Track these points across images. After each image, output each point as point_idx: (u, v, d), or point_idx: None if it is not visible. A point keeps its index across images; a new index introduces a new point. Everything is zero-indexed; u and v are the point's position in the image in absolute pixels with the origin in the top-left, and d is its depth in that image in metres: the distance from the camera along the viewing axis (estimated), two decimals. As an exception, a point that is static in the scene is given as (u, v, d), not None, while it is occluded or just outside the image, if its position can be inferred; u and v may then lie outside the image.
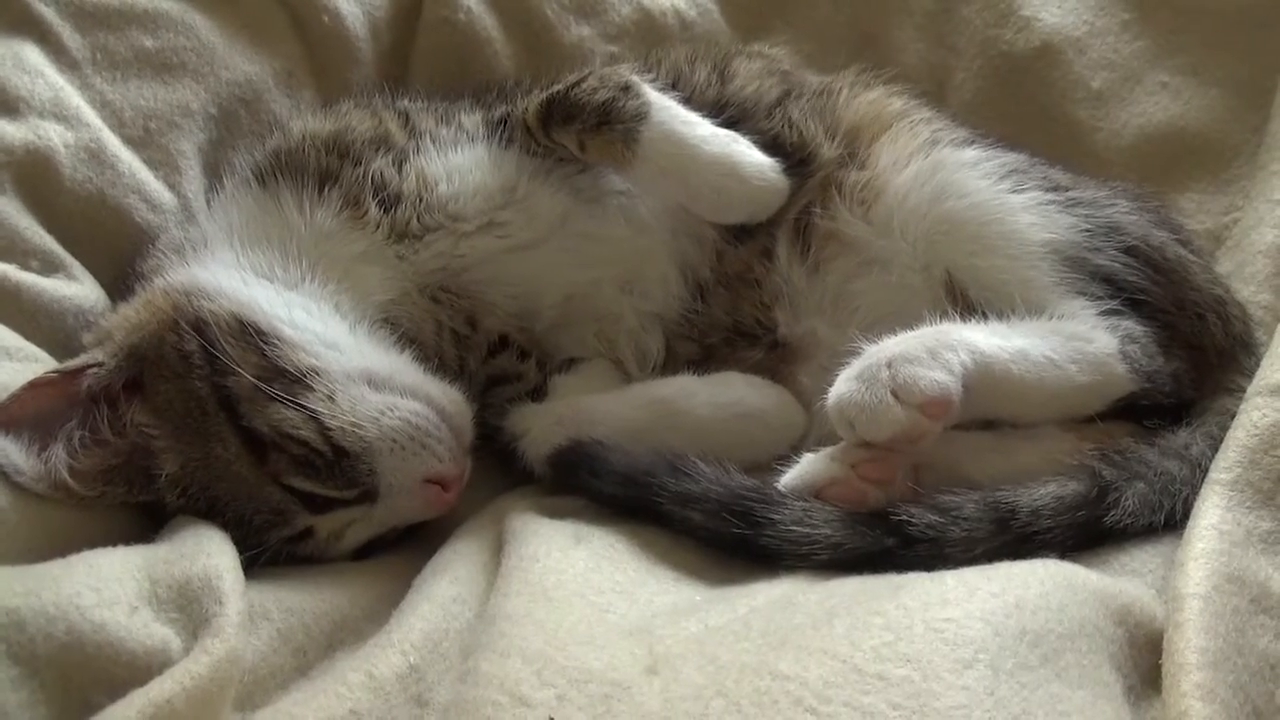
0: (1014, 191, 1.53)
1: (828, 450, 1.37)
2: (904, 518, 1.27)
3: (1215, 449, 1.32)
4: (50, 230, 1.57)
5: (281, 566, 1.37)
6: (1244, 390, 1.37)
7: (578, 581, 1.23)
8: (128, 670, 1.10)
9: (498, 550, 1.33)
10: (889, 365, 1.32)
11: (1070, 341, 1.42)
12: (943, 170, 1.54)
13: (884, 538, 1.27)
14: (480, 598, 1.25)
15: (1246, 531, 1.21)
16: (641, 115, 1.52)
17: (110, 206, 1.61)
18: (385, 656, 1.15)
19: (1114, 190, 1.62)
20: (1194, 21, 1.98)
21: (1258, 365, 1.40)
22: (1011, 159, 1.58)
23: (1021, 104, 1.97)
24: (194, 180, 1.71)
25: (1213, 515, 1.21)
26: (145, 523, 1.40)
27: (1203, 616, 1.10)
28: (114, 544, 1.26)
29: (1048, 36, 1.97)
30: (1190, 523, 1.22)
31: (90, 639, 1.10)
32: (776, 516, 1.29)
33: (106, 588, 1.15)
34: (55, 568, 1.18)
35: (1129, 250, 1.52)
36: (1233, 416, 1.34)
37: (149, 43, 1.72)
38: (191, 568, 1.21)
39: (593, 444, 1.43)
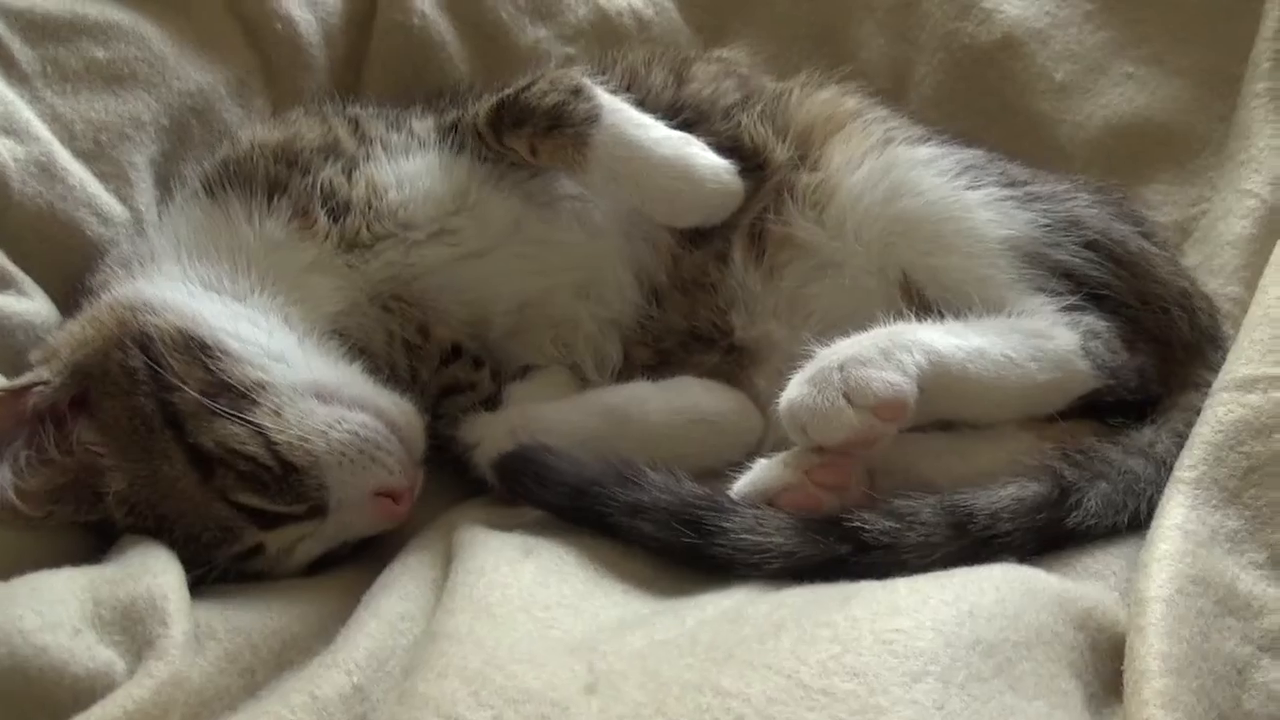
0: (970, 188, 1.51)
1: (780, 456, 1.35)
2: (858, 524, 1.25)
3: (1181, 446, 1.29)
4: (-1, 246, 1.54)
5: (231, 584, 1.34)
6: (1210, 385, 1.33)
7: (523, 596, 1.21)
8: (71, 694, 1.08)
9: (447, 565, 1.31)
10: (841, 368, 1.30)
11: (1030, 339, 1.40)
12: (896, 169, 1.53)
13: (837, 545, 1.25)
14: (428, 614, 1.23)
15: (1212, 531, 1.18)
16: (593, 118, 1.50)
17: (61, 221, 1.59)
18: (329, 676, 1.13)
19: (1074, 184, 1.60)
20: (1157, 10, 1.97)
21: (1224, 359, 1.37)
22: (968, 155, 1.56)
23: (984, 98, 1.95)
24: (145, 193, 1.68)
25: (1177, 515, 1.19)
26: (94, 542, 1.38)
27: (1165, 620, 1.07)
28: (62, 564, 1.24)
29: (1009, 28, 1.96)
30: (1154, 523, 1.20)
31: (33, 663, 1.08)
32: (727, 525, 1.27)
33: (50, 610, 1.13)
34: (-2, 590, 1.16)
35: (1090, 244, 1.50)
36: (1199, 413, 1.31)
37: (100, 54, 1.69)
38: (136, 588, 1.19)
39: (538, 450, 1.40)
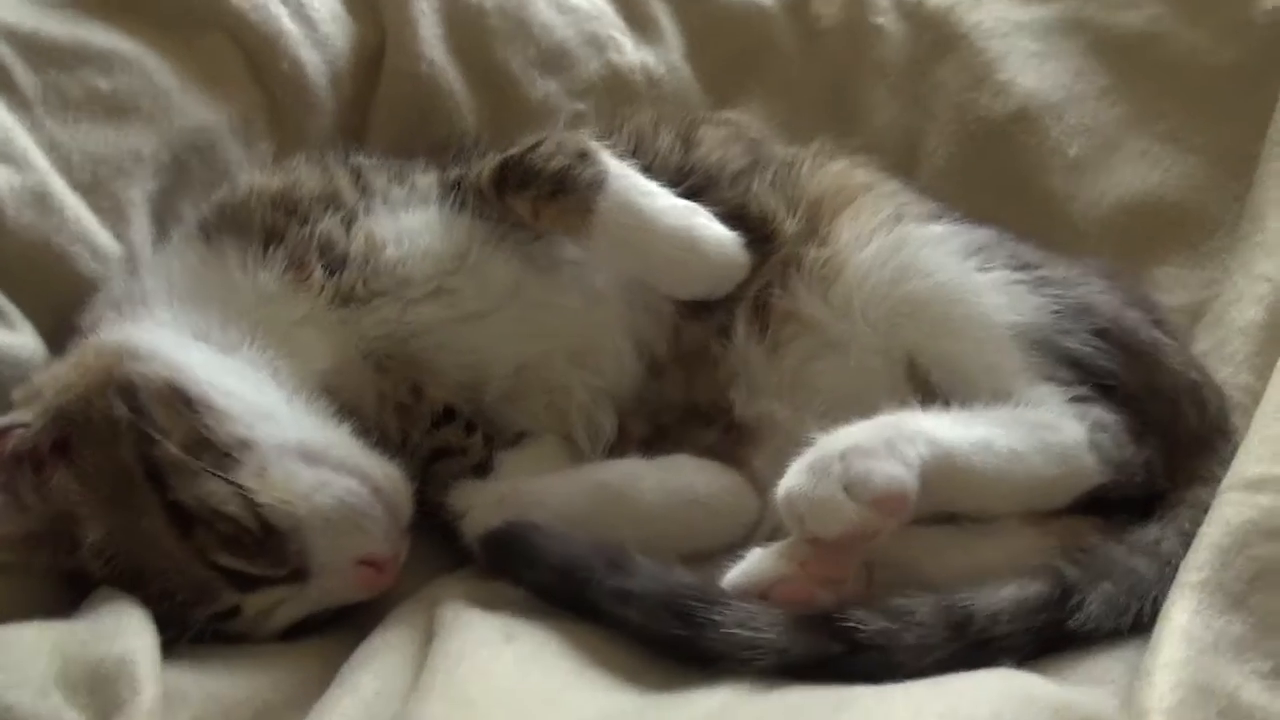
0: (980, 270, 1.48)
1: (775, 546, 1.31)
2: (852, 624, 1.21)
3: (1187, 545, 1.25)
4: (-11, 276, 1.51)
5: (207, 644, 1.31)
6: (1219, 480, 1.30)
7: (502, 688, 1.18)
8: (35, 757, 1.05)
9: (427, 641, 1.28)
10: (841, 457, 1.26)
11: (1036, 430, 1.37)
12: (906, 248, 1.50)
13: (830, 644, 1.21)
14: (406, 691, 1.20)
15: (1216, 636, 1.13)
16: (598, 184, 1.48)
17: (54, 253, 1.55)
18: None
19: (1086, 268, 1.57)
20: (1174, 88, 1.94)
21: (1234, 452, 1.33)
22: (979, 235, 1.53)
23: (996, 171, 1.92)
24: (141, 229, 1.65)
25: (1181, 619, 1.14)
26: (67, 590, 1.35)
27: None
28: (33, 612, 1.22)
29: (1024, 101, 1.93)
30: (1158, 627, 1.16)
31: (-3, 721, 1.05)
32: (718, 618, 1.23)
33: (17, 667, 1.11)
34: (-36, 643, 1.13)
35: (1100, 333, 1.47)
36: (1206, 509, 1.27)
37: (102, 84, 1.66)
38: (109, 649, 1.16)
39: (526, 527, 1.37)
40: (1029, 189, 1.90)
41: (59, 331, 1.54)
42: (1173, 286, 1.82)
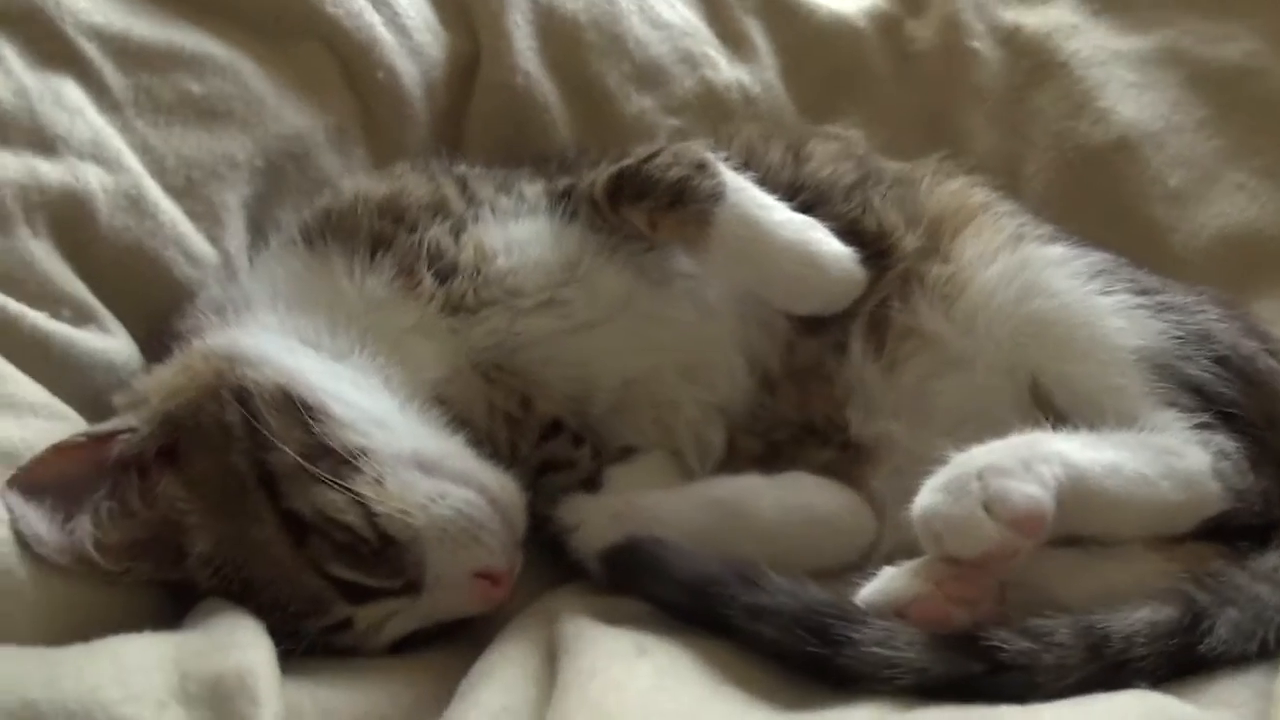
0: (1103, 293, 1.46)
1: (910, 564, 1.28)
2: (995, 643, 1.18)
3: (1306, 573, 1.23)
4: (84, 278, 1.49)
5: (317, 657, 1.27)
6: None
7: (640, 700, 1.14)
8: (154, 774, 1.02)
9: (548, 656, 1.24)
10: (979, 476, 1.24)
11: (1162, 456, 1.34)
12: (1030, 268, 1.48)
13: (971, 663, 1.18)
14: (531, 707, 1.16)
15: None
16: (717, 196, 1.45)
17: (148, 257, 1.53)
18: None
19: (1202, 296, 1.55)
20: (1271, 123, 1.94)
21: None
22: (1099, 258, 1.52)
23: (1096, 199, 1.91)
24: (236, 235, 1.63)
25: None
26: (172, 601, 1.32)
27: None
28: (139, 624, 1.18)
29: (1124, 130, 1.93)
30: None
31: (114, 738, 1.01)
32: (856, 635, 1.20)
33: (133, 680, 1.06)
34: (77, 655, 1.09)
35: (1220, 360, 1.45)
36: (1322, 539, 1.25)
37: (195, 88, 1.65)
38: (225, 662, 1.12)
39: (652, 543, 1.33)
40: (1130, 218, 1.89)
41: (151, 337, 1.52)
42: (1274, 320, 1.79)
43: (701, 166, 1.47)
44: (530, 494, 1.46)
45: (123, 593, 1.29)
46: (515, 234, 1.52)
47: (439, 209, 1.54)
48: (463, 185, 1.58)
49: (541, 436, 1.53)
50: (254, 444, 1.31)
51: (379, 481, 1.31)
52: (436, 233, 1.51)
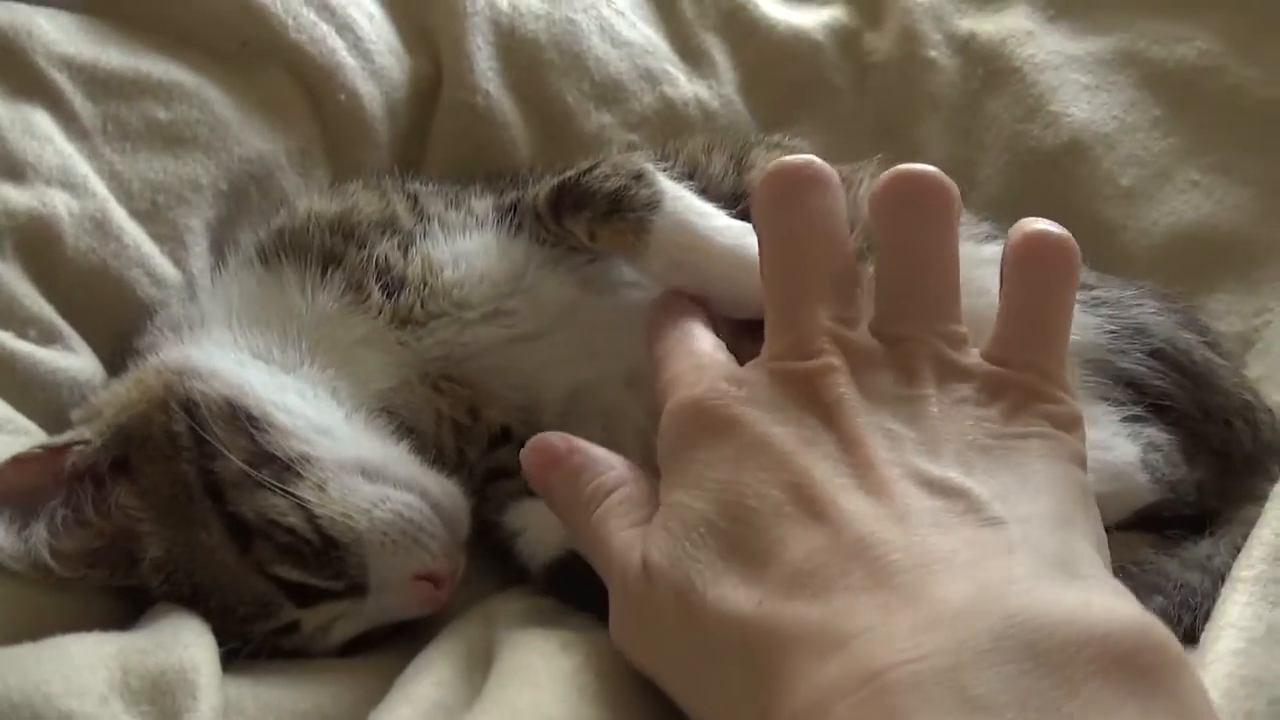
0: None
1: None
2: None
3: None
4: (50, 299, 1.53)
5: (264, 660, 1.31)
6: (1270, 498, 1.30)
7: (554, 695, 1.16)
8: (93, 765, 1.05)
9: (484, 657, 1.26)
10: None
11: (1090, 450, 1.36)
12: (964, 266, 1.49)
13: None
14: (463, 705, 1.18)
15: (1268, 628, 1.12)
16: (654, 204, 1.46)
17: (113, 279, 1.57)
18: (359, 764, 1.09)
19: (1140, 290, 1.57)
20: (1226, 119, 1.96)
21: (1287, 470, 1.32)
22: (1033, 257, 1.53)
23: (1049, 201, 1.92)
24: (200, 257, 1.67)
25: (1232, 612, 1.14)
26: (127, 607, 1.35)
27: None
28: (92, 628, 1.21)
29: (1076, 132, 1.95)
30: (1209, 623, 1.15)
31: (56, 730, 1.05)
32: None
33: (76, 675, 1.09)
34: (24, 651, 1.13)
35: (1155, 353, 1.47)
36: (1258, 525, 1.27)
37: (161, 114, 1.68)
38: (167, 659, 1.16)
39: None
40: (1081, 218, 1.89)
41: (114, 355, 1.56)
42: (1225, 314, 1.82)
43: (639, 176, 1.48)
44: (478, 501, 1.49)
45: (78, 598, 1.33)
46: (462, 247, 1.55)
47: (388, 225, 1.56)
48: (414, 201, 1.61)
49: (490, 445, 1.55)
50: (201, 453, 1.35)
51: (321, 487, 1.35)
52: (385, 248, 1.54)
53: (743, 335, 1.57)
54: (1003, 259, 1.18)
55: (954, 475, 0.99)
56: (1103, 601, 0.87)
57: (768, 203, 1.21)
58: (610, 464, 1.27)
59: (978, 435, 1.05)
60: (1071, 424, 1.10)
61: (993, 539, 0.93)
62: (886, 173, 1.20)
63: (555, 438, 1.31)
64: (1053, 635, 0.81)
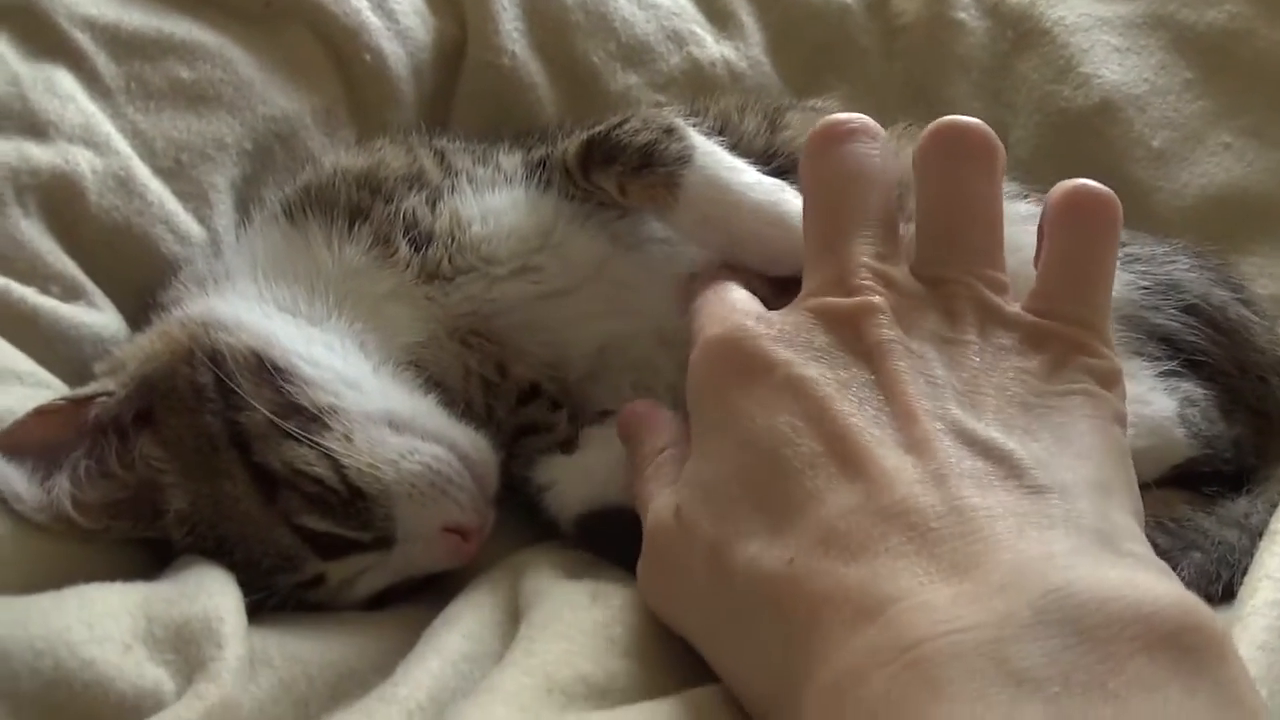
0: None
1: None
2: None
3: (1277, 517, 1.24)
4: (73, 256, 1.52)
5: (290, 613, 1.31)
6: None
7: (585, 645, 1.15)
8: (115, 711, 1.04)
9: (512, 610, 1.26)
10: None
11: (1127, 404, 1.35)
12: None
13: None
14: (492, 659, 1.18)
15: None
16: (685, 159, 1.44)
17: (136, 236, 1.56)
18: (388, 714, 1.07)
19: (1173, 247, 1.56)
20: (1258, 82, 1.94)
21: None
22: (1064, 213, 1.51)
23: (1080, 162, 1.89)
24: (224, 214, 1.66)
25: (1270, 564, 1.12)
26: (150, 559, 1.35)
27: (1272, 670, 1.00)
28: (116, 580, 1.20)
29: (1108, 94, 1.93)
30: (1248, 576, 1.13)
31: (78, 676, 1.04)
32: None
33: (99, 623, 1.09)
34: (46, 600, 1.12)
35: (1189, 309, 1.46)
36: (1296, 481, 1.25)
37: (185, 74, 1.68)
38: (191, 608, 1.15)
39: (626, 513, 1.31)
40: (1112, 179, 1.75)
41: (138, 310, 1.55)
42: (1257, 276, 1.80)
43: (670, 130, 1.47)
44: (507, 456, 1.48)
45: (101, 550, 1.32)
46: (490, 203, 1.53)
47: (416, 180, 1.55)
48: (441, 157, 1.60)
49: (519, 401, 1.54)
50: (226, 405, 1.34)
51: (348, 437, 1.34)
52: (413, 203, 1.52)
53: (780, 294, 1.56)
54: (1043, 216, 1.15)
55: (996, 435, 0.97)
56: (1147, 580, 0.85)
57: (815, 150, 1.19)
58: (666, 425, 1.27)
59: (1019, 390, 1.03)
60: (1113, 380, 1.07)
61: (1033, 508, 0.91)
62: (932, 124, 1.19)
63: (641, 405, 1.33)
64: (1097, 611, 0.79)
